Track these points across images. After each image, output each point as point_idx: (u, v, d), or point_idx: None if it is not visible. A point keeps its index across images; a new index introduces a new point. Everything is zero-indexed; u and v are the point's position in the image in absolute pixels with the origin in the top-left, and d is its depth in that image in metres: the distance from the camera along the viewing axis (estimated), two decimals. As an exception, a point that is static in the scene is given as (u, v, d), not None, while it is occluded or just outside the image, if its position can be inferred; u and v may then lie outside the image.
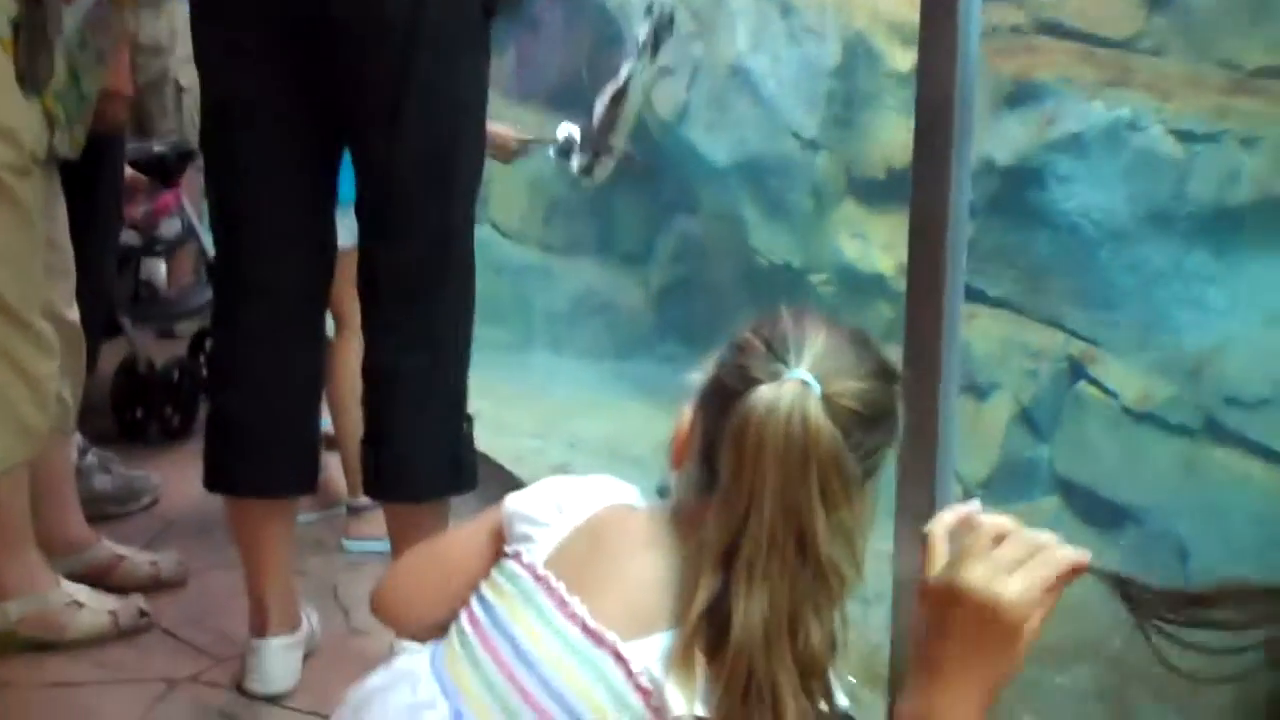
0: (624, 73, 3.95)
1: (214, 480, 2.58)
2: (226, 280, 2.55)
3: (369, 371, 2.54)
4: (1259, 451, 4.07)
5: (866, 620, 3.89)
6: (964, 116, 2.30)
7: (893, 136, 4.93)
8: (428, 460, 2.54)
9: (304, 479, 2.63)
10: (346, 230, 2.83)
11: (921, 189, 2.40)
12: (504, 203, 6.53)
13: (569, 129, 4.01)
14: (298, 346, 2.55)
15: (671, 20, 3.97)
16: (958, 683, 1.18)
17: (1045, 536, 1.17)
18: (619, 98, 3.93)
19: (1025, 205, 4.60)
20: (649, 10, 3.97)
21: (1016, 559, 1.16)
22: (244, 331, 2.52)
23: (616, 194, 6.51)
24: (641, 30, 4.01)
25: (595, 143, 3.97)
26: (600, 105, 3.95)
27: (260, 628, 2.60)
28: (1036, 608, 1.18)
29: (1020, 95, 4.68)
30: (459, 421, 2.57)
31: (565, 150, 4.02)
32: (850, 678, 3.64)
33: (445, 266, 2.51)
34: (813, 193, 5.35)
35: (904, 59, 4.81)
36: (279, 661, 2.60)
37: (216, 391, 2.65)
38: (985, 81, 4.61)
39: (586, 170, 4.03)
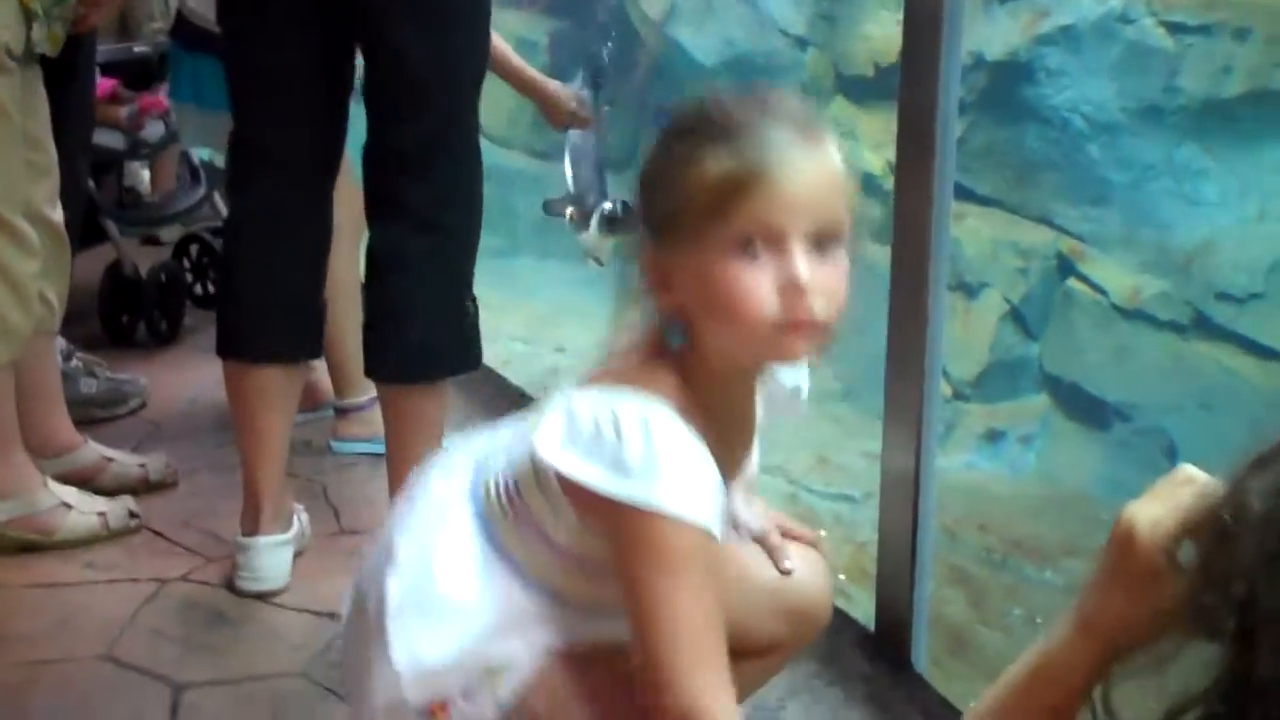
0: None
1: (226, 345, 2.61)
2: (241, 148, 2.59)
3: (375, 254, 2.57)
4: (1248, 346, 4.08)
5: (855, 518, 3.92)
6: (953, 11, 2.28)
7: (881, 32, 4.90)
8: (437, 339, 2.58)
9: (311, 343, 2.67)
10: None
11: (910, 86, 2.38)
12: (491, 108, 6.41)
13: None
14: (308, 215, 2.61)
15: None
16: (1078, 610, 1.06)
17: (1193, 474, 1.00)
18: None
19: (1015, 101, 4.57)
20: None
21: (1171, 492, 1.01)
22: (257, 198, 2.57)
23: (603, 98, 6.46)
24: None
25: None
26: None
27: (252, 526, 2.61)
28: (1172, 538, 0.98)
29: (1011, -11, 4.65)
30: (465, 302, 2.60)
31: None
32: (842, 575, 3.67)
33: (452, 147, 2.55)
34: (801, 90, 5.31)
35: (891, -46, 4.78)
36: (270, 559, 2.61)
37: (228, 259, 2.71)
38: (974, -25, 4.57)
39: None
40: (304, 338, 2.65)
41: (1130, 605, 1.02)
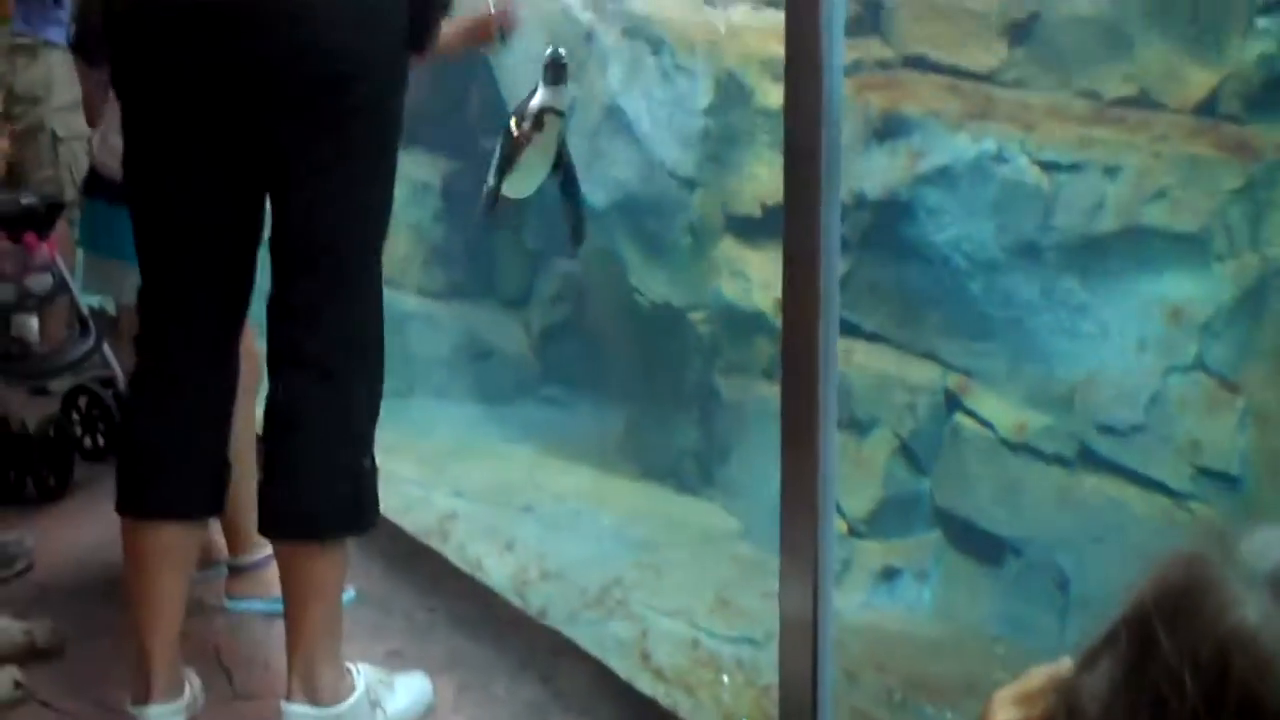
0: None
1: (125, 501, 2.60)
2: (149, 303, 2.61)
3: (275, 408, 2.57)
4: (1133, 478, 4.14)
5: (757, 661, 3.92)
6: (831, 153, 2.35)
7: (768, 172, 4.98)
8: (334, 499, 2.57)
9: (214, 500, 2.68)
10: None
11: (793, 226, 2.44)
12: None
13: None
14: (214, 370, 2.64)
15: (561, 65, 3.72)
16: None
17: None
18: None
19: (897, 238, 4.65)
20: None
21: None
22: (163, 352, 2.56)
23: (495, 236, 6.50)
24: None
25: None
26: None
27: (143, 694, 2.57)
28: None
29: (888, 129, 4.74)
30: (363, 460, 2.60)
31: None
32: (745, 718, 3.66)
33: (355, 301, 2.58)
34: (690, 231, 5.38)
35: (776, 95, 4.85)
36: None
37: (133, 413, 2.72)
38: (854, 116, 4.67)
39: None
40: (207, 494, 2.65)
41: None
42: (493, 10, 3.37)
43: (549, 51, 3.62)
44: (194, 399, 2.62)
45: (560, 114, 3.67)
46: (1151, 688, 0.87)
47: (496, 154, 3.79)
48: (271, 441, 2.60)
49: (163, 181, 2.55)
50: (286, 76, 2.40)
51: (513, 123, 3.77)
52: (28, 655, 2.94)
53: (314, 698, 2.65)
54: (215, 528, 3.35)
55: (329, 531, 2.59)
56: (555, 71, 3.60)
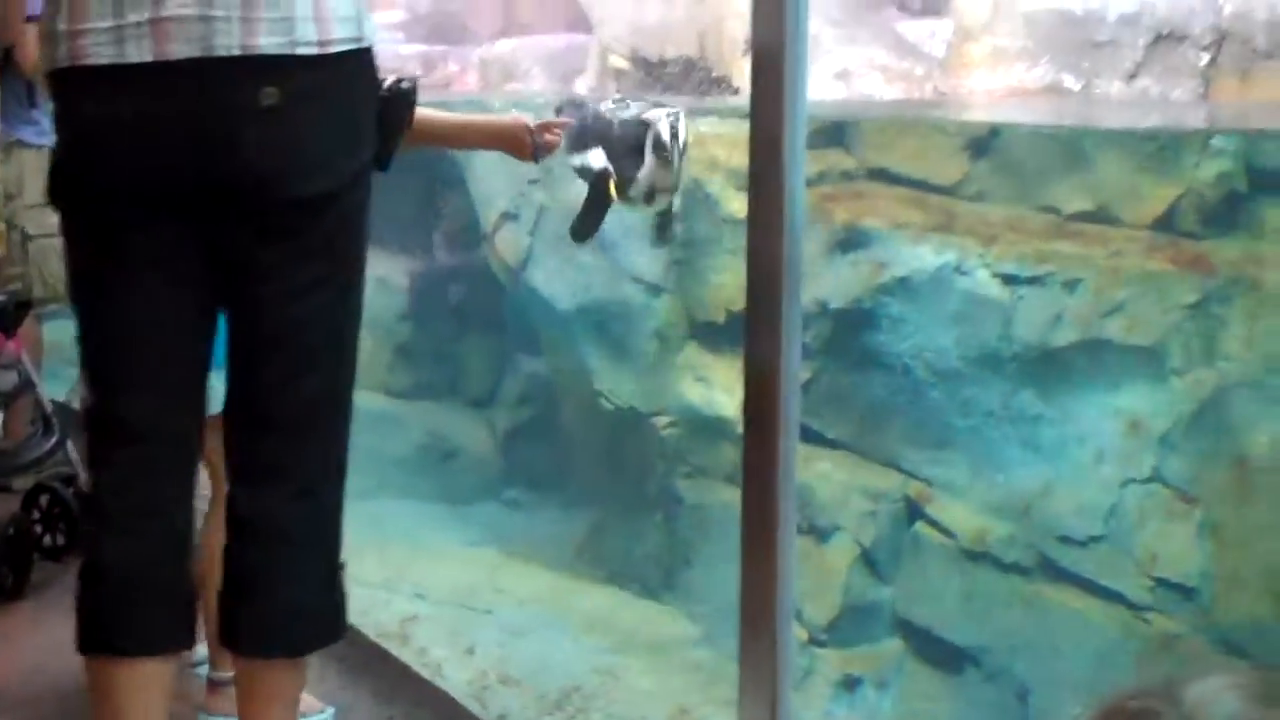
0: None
1: (91, 639, 2.42)
2: (98, 418, 2.45)
3: (243, 519, 2.47)
4: (1091, 588, 4.16)
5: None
6: (792, 262, 2.38)
7: (732, 280, 5.02)
8: (308, 612, 2.48)
9: (187, 630, 2.48)
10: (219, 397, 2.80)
11: (755, 333, 2.46)
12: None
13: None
14: (173, 494, 2.45)
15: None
16: None
17: None
18: None
19: (859, 348, 4.70)
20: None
21: None
22: (120, 476, 2.43)
23: (462, 338, 6.54)
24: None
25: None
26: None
27: None
28: None
29: (851, 240, 4.81)
30: (337, 570, 2.53)
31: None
32: None
33: (335, 411, 2.50)
34: (655, 336, 5.42)
35: (740, 204, 4.89)
36: None
37: (91, 539, 2.51)
38: (818, 226, 4.73)
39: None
40: (178, 624, 2.47)
41: None
42: (531, 126, 3.19)
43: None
44: (156, 522, 2.43)
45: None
46: None
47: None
48: (238, 552, 2.50)
49: (111, 276, 2.45)
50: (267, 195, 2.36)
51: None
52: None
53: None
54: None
55: (302, 645, 2.53)
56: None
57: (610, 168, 3.72)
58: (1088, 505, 4.20)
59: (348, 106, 2.40)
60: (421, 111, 2.64)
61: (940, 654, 4.48)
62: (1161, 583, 4.08)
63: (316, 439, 2.46)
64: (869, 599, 4.71)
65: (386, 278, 6.52)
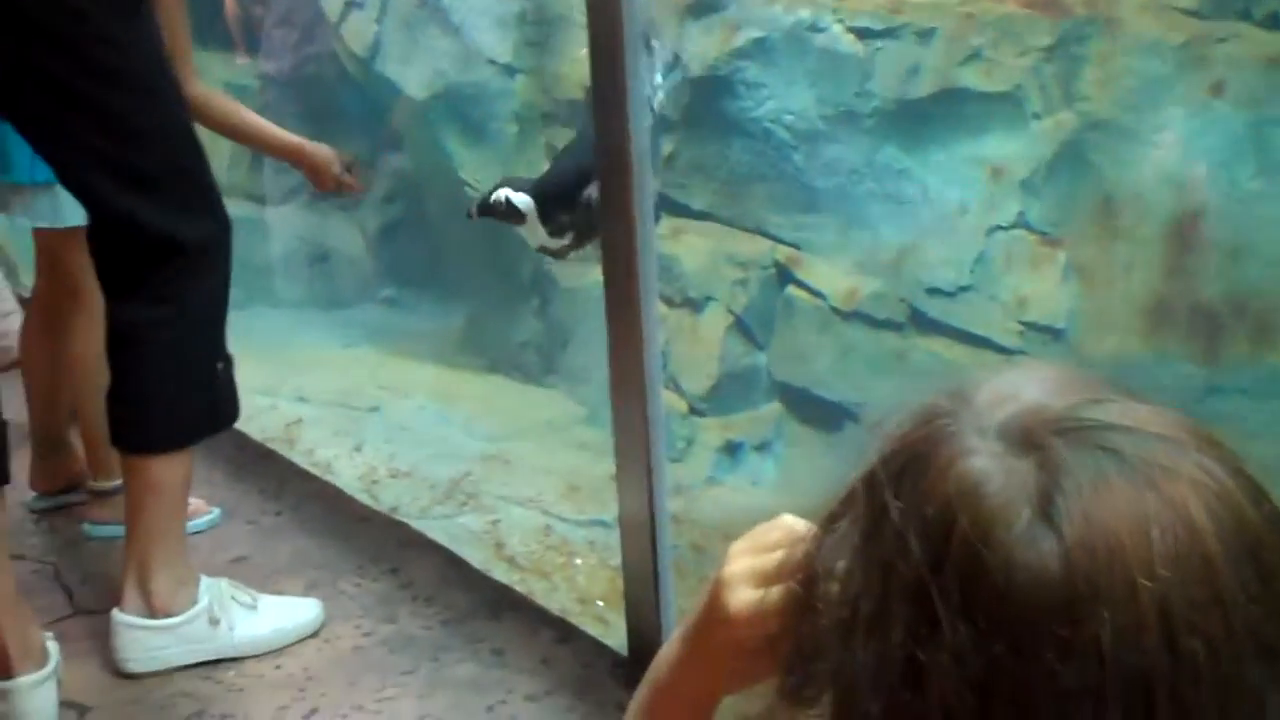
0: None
1: None
2: None
3: (114, 329, 2.52)
4: (963, 337, 4.23)
5: (610, 543, 3.96)
6: (633, 28, 2.34)
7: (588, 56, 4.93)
8: (184, 408, 2.54)
9: None
10: (73, 207, 2.76)
11: (603, 112, 2.44)
12: (208, 154, 6.34)
13: (508, 193, 3.92)
14: None
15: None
16: (673, 655, 1.07)
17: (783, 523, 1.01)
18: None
19: (718, 115, 4.66)
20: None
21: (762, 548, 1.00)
22: None
23: (319, 138, 6.39)
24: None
25: (581, 231, 3.87)
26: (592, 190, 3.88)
27: (3, 668, 2.44)
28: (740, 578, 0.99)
29: (703, 5, 4.73)
30: (215, 365, 2.55)
31: (508, 215, 3.93)
32: (599, 601, 3.70)
33: (185, 212, 2.48)
34: (514, 119, 5.34)
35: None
36: (33, 701, 2.46)
37: None
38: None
39: (561, 253, 3.99)
40: None
41: (716, 671, 1.03)
42: (339, 165, 3.40)
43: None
44: None
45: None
46: (881, 551, 0.81)
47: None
48: (115, 360, 2.55)
49: None
50: None
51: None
52: None
53: (147, 605, 2.60)
54: (75, 449, 3.29)
55: (181, 439, 2.56)
56: None
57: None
58: (954, 256, 4.24)
59: None
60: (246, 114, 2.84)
61: (819, 413, 4.54)
62: (1030, 326, 4.15)
63: (164, 249, 2.46)
64: (745, 365, 4.74)
65: (236, 81, 6.33)
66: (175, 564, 2.64)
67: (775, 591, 0.96)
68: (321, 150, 3.42)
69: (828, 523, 0.90)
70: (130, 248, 2.47)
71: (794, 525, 1.00)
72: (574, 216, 3.82)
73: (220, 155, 6.40)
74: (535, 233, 3.91)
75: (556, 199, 3.84)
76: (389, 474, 4.46)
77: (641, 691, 1.12)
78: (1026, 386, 0.85)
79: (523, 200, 3.88)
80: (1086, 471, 0.78)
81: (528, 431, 5.01)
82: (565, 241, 3.92)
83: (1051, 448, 0.79)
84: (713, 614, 1.00)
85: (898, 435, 0.86)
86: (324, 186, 3.45)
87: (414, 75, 5.56)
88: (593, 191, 3.66)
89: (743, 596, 0.98)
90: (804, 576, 0.90)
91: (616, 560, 3.76)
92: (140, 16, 2.43)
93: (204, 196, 2.55)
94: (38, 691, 2.45)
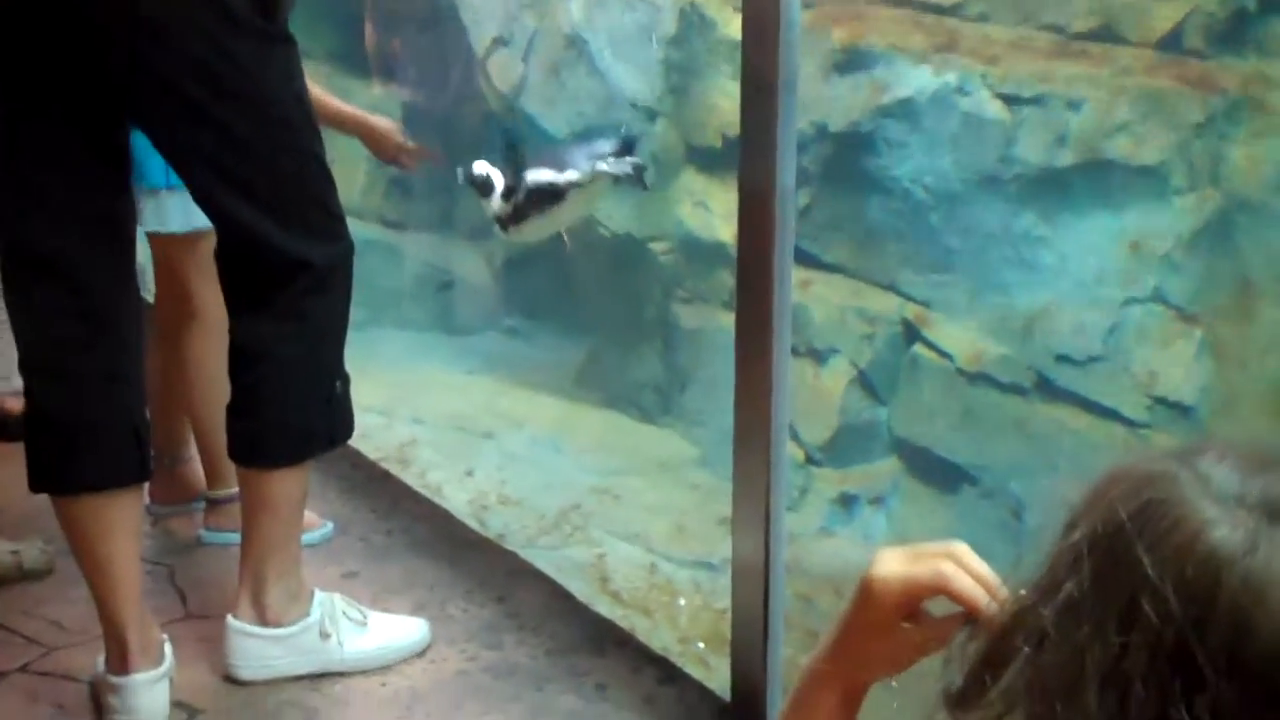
0: (568, 175, 4.24)
1: (37, 478, 2.45)
2: (12, 262, 2.43)
3: (238, 346, 2.55)
4: (1089, 407, 4.17)
5: (714, 586, 3.95)
6: (788, 84, 2.34)
7: (729, 104, 4.95)
8: (302, 422, 2.58)
9: (136, 467, 2.49)
10: (183, 213, 2.80)
11: (749, 157, 2.44)
12: (343, 178, 6.40)
13: (487, 168, 4.27)
14: (105, 330, 2.44)
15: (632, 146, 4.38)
16: (824, 646, 1.14)
17: (958, 550, 1.09)
18: (553, 195, 4.25)
19: (858, 171, 4.66)
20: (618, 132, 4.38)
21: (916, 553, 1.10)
22: (42, 316, 2.42)
23: (457, 168, 6.46)
24: (604, 145, 4.35)
25: (517, 208, 4.26)
26: (533, 176, 4.24)
27: (120, 665, 2.48)
28: (899, 595, 1.07)
29: (851, 62, 4.73)
30: (333, 383, 2.59)
31: (480, 186, 4.28)
32: (700, 643, 3.68)
33: (312, 239, 2.52)
34: (652, 162, 5.36)
35: (737, 26, 4.81)
36: (146, 698, 2.50)
37: (26, 382, 2.49)
38: (817, 48, 4.65)
39: (504, 225, 4.32)
40: (123, 462, 2.47)
41: (862, 646, 1.11)
42: (399, 129, 3.65)
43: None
44: (89, 361, 2.43)
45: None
46: (1121, 597, 0.85)
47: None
48: (238, 376, 2.57)
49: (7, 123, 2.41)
50: None
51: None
52: (15, 576, 2.92)
53: (260, 615, 2.63)
54: (194, 461, 3.33)
55: (298, 453, 2.59)
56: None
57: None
58: (1087, 325, 4.19)
59: None
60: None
61: (937, 473, 4.50)
62: (1160, 401, 4.09)
63: (295, 272, 2.50)
64: (865, 419, 4.72)
65: (378, 106, 6.43)
66: (289, 577, 2.67)
67: (923, 564, 1.07)
68: (383, 121, 3.61)
69: (1045, 592, 0.94)
70: (258, 267, 2.50)
71: (962, 553, 1.09)
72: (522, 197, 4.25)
73: (355, 181, 6.52)
74: (491, 204, 4.31)
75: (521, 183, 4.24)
76: (499, 501, 4.48)
77: (789, 697, 1.19)
78: (1242, 456, 0.90)
79: (493, 173, 4.30)
80: None
81: (639, 469, 5.02)
82: (509, 210, 4.29)
83: None
84: (862, 597, 1.09)
85: (1128, 495, 0.89)
86: (386, 156, 3.65)
87: (556, 114, 5.62)
88: (537, 176, 4.24)
89: (891, 565, 1.08)
90: (1023, 630, 0.95)
91: (720, 603, 3.75)
92: (277, 46, 2.47)
93: (331, 220, 2.58)
94: (153, 689, 2.49)
